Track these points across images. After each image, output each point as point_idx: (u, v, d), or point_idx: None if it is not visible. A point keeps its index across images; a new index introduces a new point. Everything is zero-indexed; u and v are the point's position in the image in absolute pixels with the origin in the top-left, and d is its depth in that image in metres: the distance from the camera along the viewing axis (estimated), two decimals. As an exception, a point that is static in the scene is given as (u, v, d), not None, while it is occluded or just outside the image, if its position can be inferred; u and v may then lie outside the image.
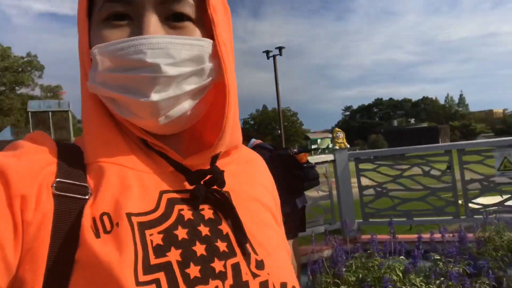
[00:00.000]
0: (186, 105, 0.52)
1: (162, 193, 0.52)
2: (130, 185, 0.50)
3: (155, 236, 0.47)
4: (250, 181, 0.65)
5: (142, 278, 0.43)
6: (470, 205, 5.38)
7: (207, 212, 0.54)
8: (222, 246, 0.51)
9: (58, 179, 0.47)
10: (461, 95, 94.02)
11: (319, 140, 58.09)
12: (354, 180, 5.85)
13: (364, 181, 5.90)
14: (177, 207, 0.52)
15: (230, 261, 0.50)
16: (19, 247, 0.43)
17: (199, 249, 0.49)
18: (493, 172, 5.34)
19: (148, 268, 0.44)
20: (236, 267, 0.50)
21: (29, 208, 0.44)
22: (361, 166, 5.94)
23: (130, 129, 0.54)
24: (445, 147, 5.69)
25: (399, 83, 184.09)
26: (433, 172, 5.63)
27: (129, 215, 0.47)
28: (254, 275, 0.51)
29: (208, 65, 0.53)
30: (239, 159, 0.65)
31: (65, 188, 0.47)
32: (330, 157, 5.89)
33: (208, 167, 0.56)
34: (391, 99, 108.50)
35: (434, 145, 6.30)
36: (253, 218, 0.58)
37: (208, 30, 0.55)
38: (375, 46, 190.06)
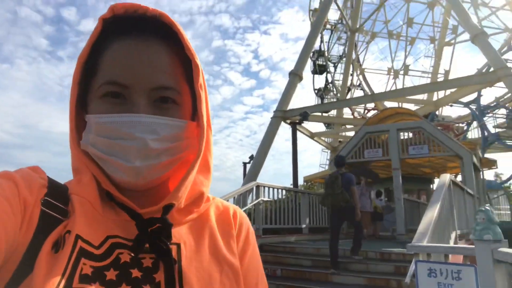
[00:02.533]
0: (161, 172, 0.60)
1: (108, 237, 0.58)
2: (90, 220, 0.58)
3: (87, 267, 0.53)
4: (212, 236, 0.67)
5: None
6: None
7: (147, 260, 0.58)
8: None
9: (46, 198, 0.56)
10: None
11: None
12: None
13: None
14: (117, 251, 0.57)
15: None
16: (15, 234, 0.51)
17: None
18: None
19: None
20: None
21: (27, 210, 0.53)
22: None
23: (99, 181, 0.61)
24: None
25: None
26: None
27: (77, 237, 0.55)
28: None
29: (183, 142, 0.62)
30: (204, 215, 0.69)
31: (50, 207, 0.55)
32: None
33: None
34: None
35: None
36: (199, 272, 0.61)
37: (187, 108, 0.64)
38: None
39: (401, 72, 27.85)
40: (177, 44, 0.62)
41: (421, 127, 11.52)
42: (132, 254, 0.57)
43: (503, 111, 17.90)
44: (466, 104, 18.08)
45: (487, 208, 3.75)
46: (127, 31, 0.60)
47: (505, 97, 18.84)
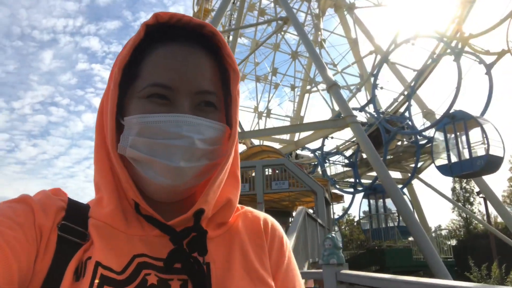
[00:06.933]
0: (199, 179, 0.59)
1: (135, 257, 0.55)
2: (111, 243, 0.55)
3: None
4: (243, 251, 0.63)
5: None
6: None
7: (175, 283, 0.55)
8: None
9: (63, 222, 0.55)
10: None
11: None
12: None
13: None
14: (144, 272, 0.54)
15: None
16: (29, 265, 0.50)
17: None
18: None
19: None
20: None
21: (43, 236, 0.52)
22: None
23: (127, 193, 0.59)
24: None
25: None
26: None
27: (97, 264, 0.51)
28: None
29: (222, 147, 0.61)
30: (234, 227, 0.65)
31: (68, 231, 0.54)
32: None
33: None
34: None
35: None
36: None
37: (223, 114, 0.64)
38: None
39: (264, 114, 30.07)
40: (216, 52, 0.64)
41: (284, 164, 12.64)
42: (160, 275, 0.55)
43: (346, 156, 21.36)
44: (312, 151, 21.52)
45: (333, 235, 4.34)
46: (171, 38, 0.61)
47: (345, 145, 22.29)
